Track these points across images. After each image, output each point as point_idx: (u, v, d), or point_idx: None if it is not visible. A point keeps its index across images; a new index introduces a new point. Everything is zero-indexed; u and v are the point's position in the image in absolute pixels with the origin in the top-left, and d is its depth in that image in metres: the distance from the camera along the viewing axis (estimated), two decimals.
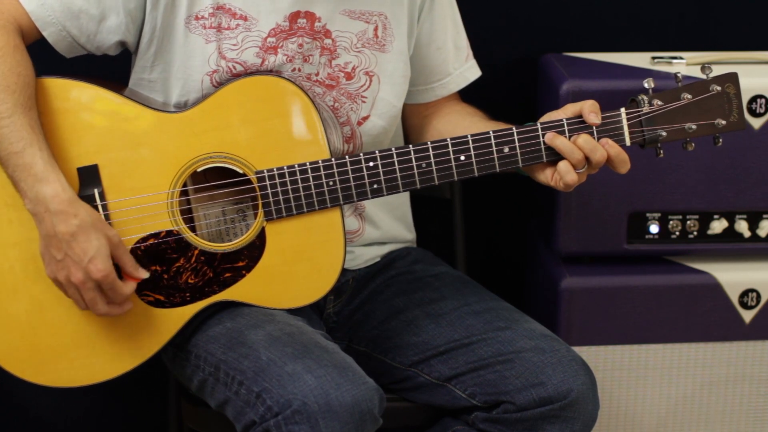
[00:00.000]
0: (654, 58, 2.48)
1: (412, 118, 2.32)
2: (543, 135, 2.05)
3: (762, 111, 2.38)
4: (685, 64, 2.45)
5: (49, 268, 1.97)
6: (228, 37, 2.08)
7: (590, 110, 2.05)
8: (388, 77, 2.19)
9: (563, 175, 2.04)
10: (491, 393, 2.11)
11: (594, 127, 2.05)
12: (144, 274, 2.01)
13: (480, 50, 2.34)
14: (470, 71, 2.31)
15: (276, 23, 2.09)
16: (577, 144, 2.03)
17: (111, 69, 2.19)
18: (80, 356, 2.06)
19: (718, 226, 2.44)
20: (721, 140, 2.08)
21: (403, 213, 2.36)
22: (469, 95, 2.34)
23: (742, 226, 2.44)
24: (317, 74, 2.13)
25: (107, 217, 2.02)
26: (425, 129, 2.29)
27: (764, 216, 2.45)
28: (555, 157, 2.05)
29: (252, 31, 2.08)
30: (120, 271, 2.00)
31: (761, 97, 2.38)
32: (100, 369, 2.07)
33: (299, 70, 2.11)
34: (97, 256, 1.94)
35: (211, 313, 2.11)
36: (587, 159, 2.03)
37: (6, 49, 1.98)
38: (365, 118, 2.18)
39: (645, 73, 2.41)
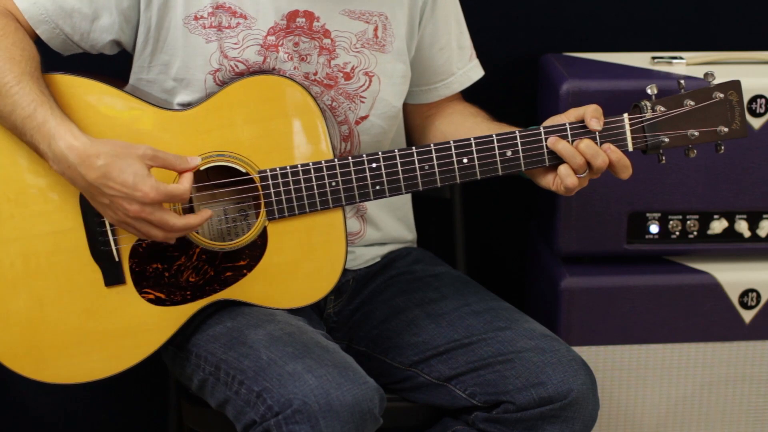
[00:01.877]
0: (654, 58, 2.48)
1: (415, 118, 2.32)
2: (546, 139, 2.05)
3: (762, 111, 2.39)
4: (685, 64, 2.45)
5: (107, 216, 1.95)
6: (229, 36, 2.07)
7: (592, 116, 2.04)
8: (387, 77, 2.19)
9: (564, 179, 2.04)
10: (491, 393, 2.11)
11: (597, 133, 2.05)
12: (195, 161, 1.97)
13: (480, 50, 2.34)
14: (473, 71, 2.31)
15: (274, 22, 2.09)
16: (579, 149, 2.03)
17: (111, 69, 2.18)
18: (80, 353, 2.05)
19: (718, 226, 2.44)
20: (722, 147, 2.09)
21: (404, 214, 2.36)
22: (469, 95, 2.34)
23: (742, 226, 2.44)
24: (315, 74, 2.13)
25: None
26: (428, 129, 2.29)
27: (764, 216, 2.45)
28: (557, 161, 2.05)
29: (252, 29, 2.08)
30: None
31: (761, 97, 2.38)
32: (100, 366, 2.07)
33: (297, 69, 2.11)
34: (137, 181, 1.90)
35: (211, 312, 2.11)
36: (588, 164, 2.04)
37: (7, 28, 1.98)
38: (363, 118, 2.18)
39: (645, 73, 2.41)
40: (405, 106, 2.30)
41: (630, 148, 2.06)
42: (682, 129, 2.07)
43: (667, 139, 2.06)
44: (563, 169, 2.04)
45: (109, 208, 1.93)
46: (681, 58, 2.47)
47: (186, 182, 1.94)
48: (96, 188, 1.92)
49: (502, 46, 2.65)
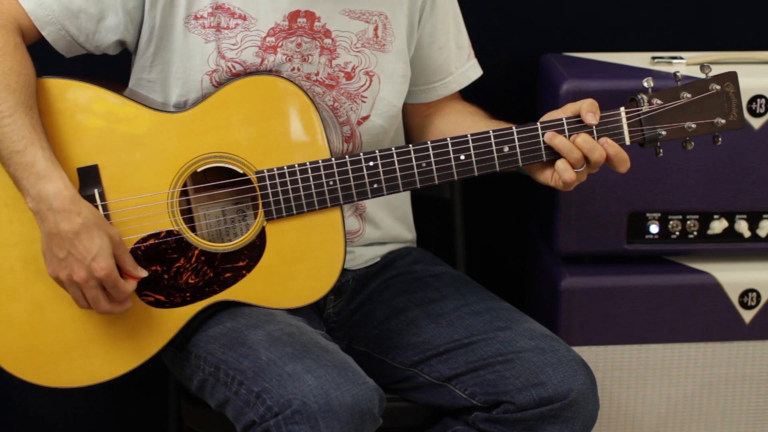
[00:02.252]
0: (654, 58, 2.48)
1: (414, 118, 2.32)
2: (543, 134, 2.05)
3: (762, 111, 2.38)
4: (685, 64, 2.45)
5: (51, 266, 1.97)
6: (227, 37, 2.08)
7: (588, 110, 2.04)
8: (388, 77, 2.19)
9: (561, 173, 2.04)
10: (491, 393, 2.10)
11: (594, 127, 2.05)
12: (143, 273, 2.01)
13: (480, 50, 2.34)
14: (472, 70, 2.31)
15: (275, 22, 2.09)
16: (575, 143, 2.03)
17: (111, 69, 2.19)
18: (80, 357, 2.06)
19: (718, 226, 2.44)
20: (720, 139, 2.08)
21: (404, 213, 2.36)
22: (469, 95, 2.34)
23: (742, 226, 2.44)
24: (317, 74, 2.13)
25: (108, 218, 2.02)
26: (426, 128, 2.29)
27: (764, 216, 2.45)
28: (555, 156, 2.05)
29: (251, 30, 2.08)
30: (120, 271, 1.99)
31: (761, 97, 2.38)
32: (101, 369, 2.07)
33: (298, 69, 2.11)
34: (99, 254, 1.94)
35: (211, 313, 2.11)
36: (586, 158, 2.03)
37: (6, 48, 1.98)
38: (365, 118, 2.18)
39: (645, 73, 2.40)
40: (404, 105, 2.30)
41: (627, 141, 2.06)
42: (679, 121, 2.06)
43: (664, 132, 2.06)
44: (560, 163, 2.04)
45: (60, 261, 1.96)
46: (681, 58, 2.47)
47: (131, 286, 2.00)
48: (61, 240, 1.94)
49: (502, 46, 2.65)
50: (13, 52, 1.98)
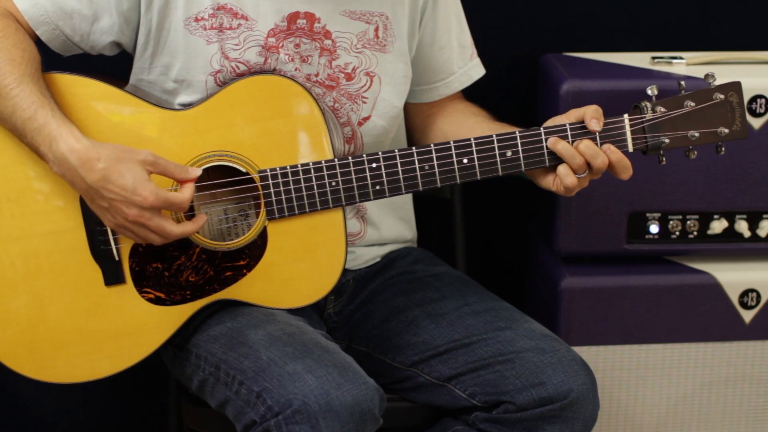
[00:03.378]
0: (654, 58, 2.48)
1: (416, 117, 2.32)
2: (546, 140, 2.05)
3: (762, 111, 2.39)
4: (685, 64, 2.45)
5: (105, 219, 1.96)
6: (230, 37, 2.07)
7: (592, 116, 2.04)
8: (389, 77, 2.19)
9: (563, 178, 2.04)
10: (491, 393, 2.11)
11: (597, 133, 2.05)
12: (196, 172, 1.97)
13: (480, 50, 2.34)
14: (474, 70, 2.31)
15: (274, 23, 2.09)
16: (578, 149, 2.03)
17: (111, 69, 2.18)
18: (80, 352, 2.06)
19: (718, 226, 2.44)
20: (723, 149, 2.09)
21: (406, 212, 2.36)
22: (469, 95, 2.34)
23: (742, 226, 2.44)
24: (317, 75, 2.13)
25: None
26: (429, 128, 2.29)
27: (764, 216, 2.45)
28: (557, 161, 2.05)
29: (254, 30, 2.08)
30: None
31: (761, 97, 2.38)
32: (100, 365, 2.07)
33: (298, 70, 2.11)
34: (136, 185, 1.91)
35: (211, 312, 2.11)
36: (588, 164, 2.03)
37: (7, 29, 1.99)
38: (366, 119, 2.18)
39: (645, 73, 2.41)
40: (406, 105, 2.30)
41: (630, 148, 2.06)
42: (682, 130, 2.07)
43: (667, 140, 2.06)
44: (562, 168, 2.04)
45: (108, 211, 1.94)
46: (681, 58, 2.47)
47: (187, 192, 1.95)
48: (95, 191, 1.92)
49: (502, 46, 2.65)
50: (14, 32, 1.99)
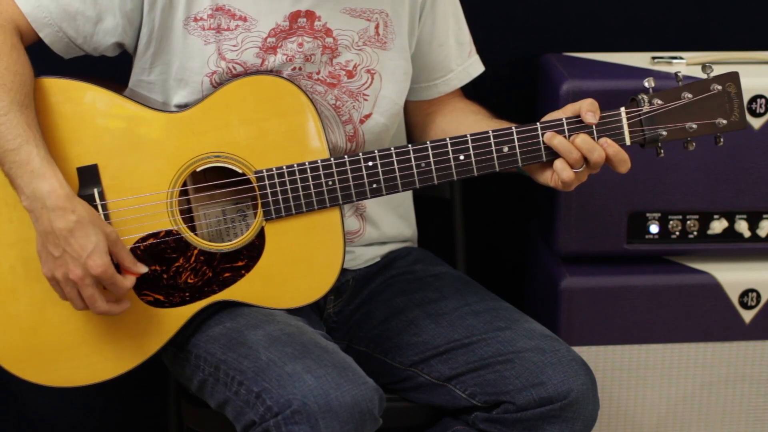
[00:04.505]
0: (654, 58, 2.48)
1: (415, 116, 2.32)
2: (542, 134, 2.05)
3: (762, 111, 2.38)
4: (685, 64, 2.45)
5: (46, 265, 1.97)
6: (227, 38, 2.08)
7: (587, 109, 2.04)
8: (390, 75, 2.19)
9: (559, 173, 2.03)
10: (491, 393, 2.10)
11: (594, 127, 2.04)
12: (143, 269, 2.01)
13: (480, 50, 2.34)
14: (473, 67, 2.31)
15: (276, 23, 2.09)
16: (575, 144, 2.03)
17: (111, 70, 2.19)
18: (80, 356, 2.06)
19: (718, 226, 2.44)
20: (722, 140, 2.08)
21: (405, 210, 2.36)
22: (469, 95, 2.34)
23: (742, 226, 2.44)
24: (318, 73, 2.13)
25: (107, 217, 2.02)
26: (428, 127, 2.29)
27: (764, 216, 2.45)
28: (555, 156, 2.05)
29: (252, 31, 2.08)
30: (119, 269, 1.99)
31: (761, 97, 2.38)
32: (101, 369, 2.07)
33: (300, 69, 2.11)
34: (95, 251, 1.94)
35: (210, 313, 2.11)
36: (585, 159, 2.03)
37: (2, 48, 1.98)
38: (367, 116, 2.18)
39: (645, 73, 2.41)
40: (405, 103, 2.30)
41: (627, 141, 2.06)
42: (680, 122, 2.06)
43: (665, 133, 2.05)
44: (559, 163, 2.03)
45: (54, 260, 1.95)
46: (681, 58, 2.47)
47: (130, 281, 1.99)
48: (56, 238, 1.94)
49: (502, 45, 2.65)
50: (9, 52, 1.98)
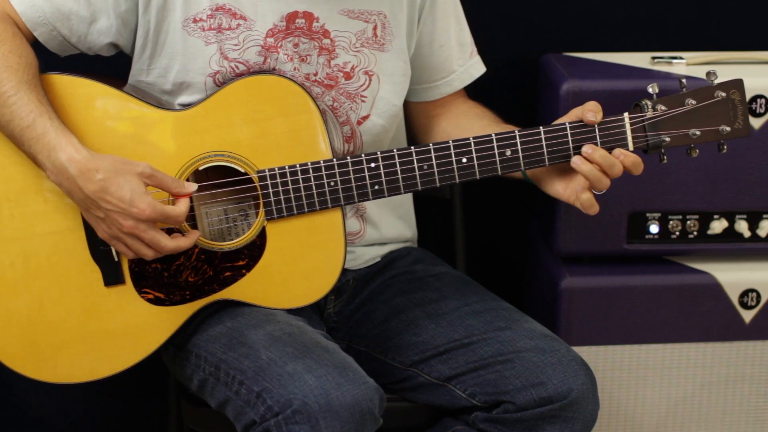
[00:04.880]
0: (654, 58, 2.48)
1: (420, 118, 2.32)
2: (545, 139, 2.05)
3: (762, 111, 2.38)
4: (685, 64, 2.45)
5: (99, 230, 1.97)
6: (229, 38, 2.07)
7: (589, 109, 2.04)
8: (388, 76, 2.19)
9: (587, 209, 2.06)
10: (491, 393, 2.11)
11: (597, 132, 2.04)
12: (192, 187, 1.99)
13: (480, 50, 2.34)
14: (474, 68, 2.31)
15: (273, 23, 2.09)
16: (594, 160, 2.02)
17: (111, 70, 2.18)
18: (80, 353, 2.06)
19: (718, 226, 2.44)
20: (725, 147, 2.08)
21: (405, 211, 2.36)
22: (469, 95, 2.34)
23: (742, 226, 2.44)
24: (315, 74, 2.13)
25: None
26: (433, 129, 2.29)
27: (764, 216, 2.45)
28: (557, 161, 2.05)
29: (252, 30, 2.08)
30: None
31: (761, 97, 2.38)
32: (100, 366, 2.07)
33: (297, 69, 2.11)
34: (134, 197, 1.92)
35: (211, 312, 2.11)
36: (605, 173, 2.04)
37: (4, 35, 1.99)
38: (365, 118, 2.18)
39: (645, 73, 2.41)
40: (409, 105, 2.30)
41: (630, 147, 2.06)
42: (683, 128, 2.06)
43: (668, 139, 2.06)
44: (586, 199, 2.05)
45: (104, 222, 1.95)
46: (681, 58, 2.47)
47: (182, 206, 1.97)
48: (93, 201, 1.93)
49: (502, 46, 2.65)
50: (12, 37, 1.99)
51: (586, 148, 2.03)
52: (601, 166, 2.02)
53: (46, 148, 1.93)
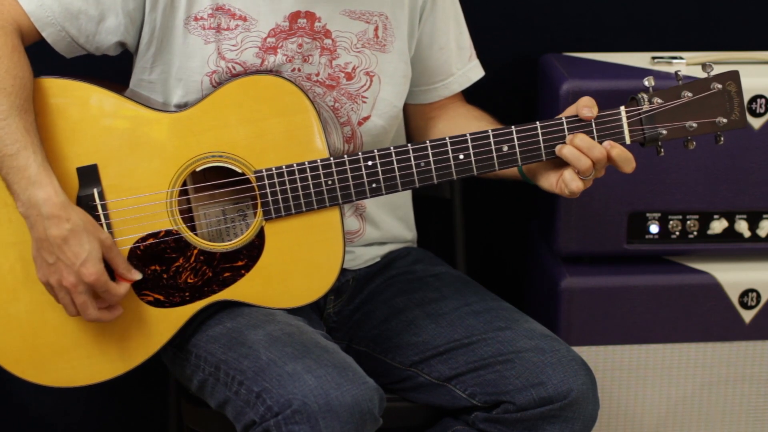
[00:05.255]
0: (654, 58, 2.48)
1: (417, 120, 2.32)
2: (542, 134, 2.04)
3: (762, 111, 2.38)
4: (685, 64, 2.45)
5: (41, 271, 1.98)
6: (227, 38, 2.08)
7: (584, 105, 2.04)
8: (388, 77, 2.19)
9: (568, 184, 2.03)
10: (491, 393, 2.11)
11: (594, 125, 2.04)
12: (137, 276, 2.02)
13: (480, 50, 2.34)
14: (473, 71, 2.31)
15: (276, 23, 2.09)
16: (574, 144, 2.02)
17: (111, 70, 2.19)
18: (80, 356, 2.06)
19: (718, 226, 2.44)
20: (722, 139, 2.07)
21: (404, 212, 2.36)
22: (469, 95, 2.34)
23: (742, 226, 2.44)
24: (317, 74, 2.13)
25: (106, 217, 2.02)
26: (430, 131, 2.29)
27: (764, 216, 2.45)
28: (554, 156, 2.05)
29: (251, 31, 2.08)
30: (113, 275, 2.00)
31: (761, 97, 2.38)
32: (100, 369, 2.07)
33: (299, 70, 2.11)
34: (89, 259, 1.95)
35: (211, 313, 2.11)
36: (586, 155, 2.03)
37: (4, 50, 1.98)
38: (366, 119, 2.18)
39: (645, 73, 2.40)
40: (407, 107, 2.30)
41: (627, 140, 2.05)
42: (680, 121, 2.05)
43: (665, 131, 2.05)
44: (568, 174, 2.03)
45: (49, 266, 1.96)
46: (681, 58, 2.47)
47: (123, 288, 2.00)
48: (50, 245, 1.95)
49: (502, 46, 2.65)
50: (10, 54, 1.98)
51: (568, 136, 2.03)
52: (580, 148, 2.02)
53: (25, 182, 1.94)
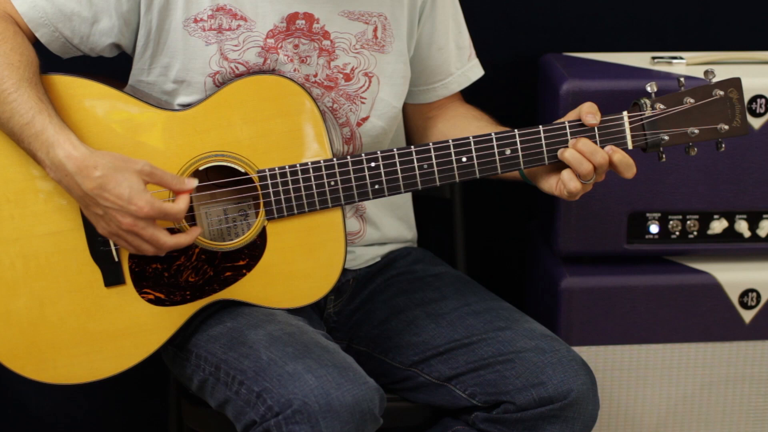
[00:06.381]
0: (654, 58, 2.48)
1: (416, 120, 2.32)
2: (545, 138, 2.05)
3: (762, 111, 2.38)
4: (685, 64, 2.45)
5: (99, 226, 1.96)
6: (229, 38, 2.07)
7: (587, 111, 2.04)
8: (387, 78, 2.19)
9: (566, 183, 2.03)
10: (491, 393, 2.11)
11: (596, 130, 2.04)
12: (192, 183, 1.98)
13: (480, 50, 2.34)
14: (472, 71, 2.31)
15: (273, 24, 2.09)
16: (576, 148, 2.02)
17: (111, 70, 2.19)
18: (80, 353, 2.06)
19: (718, 226, 2.44)
20: (723, 145, 2.08)
21: (405, 212, 2.36)
22: (469, 95, 2.34)
23: (742, 226, 2.44)
24: (315, 75, 2.13)
25: None
26: (429, 131, 2.29)
27: (764, 216, 2.45)
28: (557, 160, 2.05)
29: (252, 31, 2.08)
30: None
31: (761, 97, 2.38)
32: (100, 366, 2.07)
33: (297, 71, 2.11)
34: (132, 195, 1.91)
35: (211, 312, 2.11)
36: (588, 159, 2.03)
37: (6, 33, 1.99)
38: (364, 119, 2.18)
39: (645, 73, 2.41)
40: (405, 107, 2.30)
41: (630, 146, 2.06)
42: (682, 127, 2.06)
43: (666, 137, 2.06)
44: (566, 174, 2.03)
45: (103, 219, 1.94)
46: (681, 58, 2.47)
47: (182, 203, 1.96)
48: (91, 198, 1.92)
49: (502, 46, 2.65)
50: (13, 35, 1.99)
51: (571, 140, 2.03)
52: (583, 152, 2.02)
53: (45, 145, 1.93)
